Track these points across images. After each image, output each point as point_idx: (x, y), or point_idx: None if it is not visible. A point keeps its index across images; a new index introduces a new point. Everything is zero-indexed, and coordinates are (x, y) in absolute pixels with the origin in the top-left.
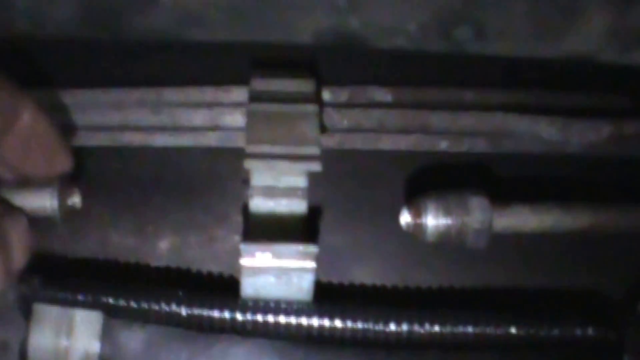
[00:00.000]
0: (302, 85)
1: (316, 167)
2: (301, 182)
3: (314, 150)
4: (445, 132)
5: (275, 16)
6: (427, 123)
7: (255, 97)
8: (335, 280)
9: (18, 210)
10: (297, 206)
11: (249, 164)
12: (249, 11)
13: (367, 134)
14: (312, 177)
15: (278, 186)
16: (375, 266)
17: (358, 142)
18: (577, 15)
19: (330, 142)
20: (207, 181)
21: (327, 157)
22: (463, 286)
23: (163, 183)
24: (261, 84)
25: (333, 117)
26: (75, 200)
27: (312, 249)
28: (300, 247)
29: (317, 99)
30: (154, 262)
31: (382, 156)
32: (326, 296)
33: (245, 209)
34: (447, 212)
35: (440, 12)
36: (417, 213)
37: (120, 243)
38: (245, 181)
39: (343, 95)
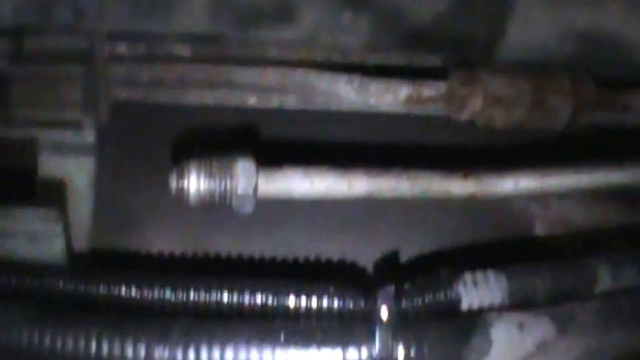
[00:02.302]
0: (74, 43)
1: (76, 133)
2: (89, 136)
3: (75, 115)
4: (252, 87)
5: None
6: (231, 78)
7: (18, 57)
8: (129, 239)
9: None
10: (85, 163)
11: (7, 131)
12: None
13: (172, 88)
14: (109, 133)
15: (66, 141)
16: (171, 225)
17: (163, 96)
18: None
19: (133, 95)
20: None
21: (132, 111)
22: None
23: None
24: (30, 41)
25: (133, 70)
26: None
27: (53, 212)
28: (44, 211)
29: (92, 57)
30: None
31: (186, 111)
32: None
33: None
34: (210, 176)
35: None
36: (180, 176)
37: None
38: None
39: (140, 48)
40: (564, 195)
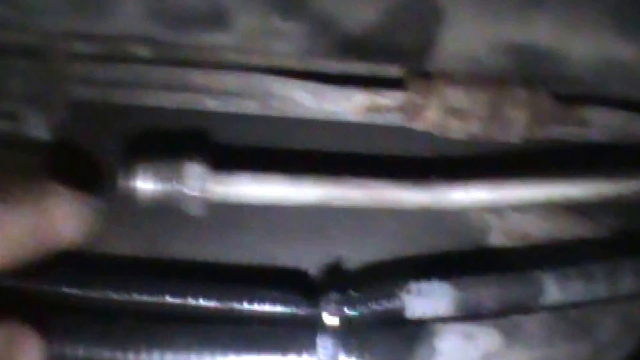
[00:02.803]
0: (24, 38)
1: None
2: (44, 134)
3: (13, 107)
4: (211, 91)
5: None
6: (189, 81)
7: None
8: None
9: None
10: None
11: None
12: None
13: (130, 89)
14: (65, 131)
15: (20, 139)
16: (122, 230)
17: (120, 96)
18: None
19: (92, 94)
20: None
21: (89, 110)
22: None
23: None
24: None
25: (91, 69)
26: None
27: None
28: None
29: (44, 53)
30: None
31: (143, 112)
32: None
33: None
34: (158, 177)
35: None
36: (129, 176)
37: None
38: None
39: (99, 47)
40: (520, 207)
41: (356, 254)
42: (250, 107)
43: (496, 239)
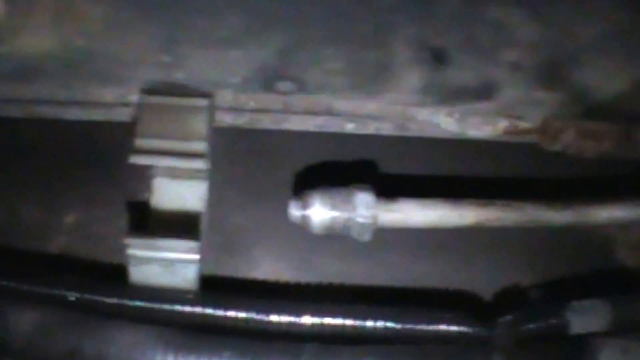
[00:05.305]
0: None
1: (200, 164)
2: (203, 164)
3: (201, 146)
4: (351, 115)
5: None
6: (331, 106)
7: (147, 89)
8: (235, 261)
9: None
10: (199, 186)
11: (135, 159)
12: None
13: (274, 115)
14: (219, 156)
15: (180, 167)
16: (275, 248)
17: (266, 122)
18: (391, 72)
19: (239, 121)
20: (118, 156)
21: (236, 135)
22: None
23: (74, 156)
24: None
25: (240, 98)
26: None
27: (194, 244)
28: (183, 243)
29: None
30: (59, 236)
31: (290, 136)
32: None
33: (130, 201)
34: (333, 206)
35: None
36: (304, 205)
37: (27, 215)
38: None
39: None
40: None
41: (491, 272)
42: (386, 129)
43: (621, 252)
